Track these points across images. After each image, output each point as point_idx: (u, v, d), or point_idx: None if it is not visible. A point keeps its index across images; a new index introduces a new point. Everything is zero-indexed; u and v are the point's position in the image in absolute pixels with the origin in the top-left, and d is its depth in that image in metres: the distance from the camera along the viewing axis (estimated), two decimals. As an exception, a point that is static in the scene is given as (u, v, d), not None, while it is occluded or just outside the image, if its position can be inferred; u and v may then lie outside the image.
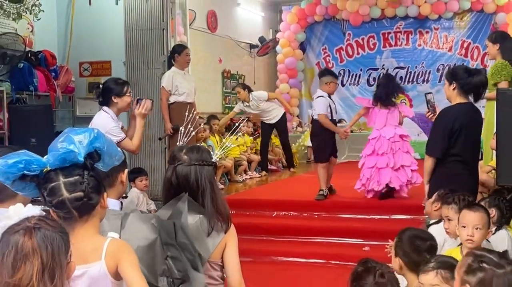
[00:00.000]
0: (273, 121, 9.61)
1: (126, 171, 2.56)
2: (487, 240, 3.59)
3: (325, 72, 7.40)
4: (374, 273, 2.42)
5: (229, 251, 2.53)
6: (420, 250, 3.00)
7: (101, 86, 4.89)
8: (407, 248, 2.99)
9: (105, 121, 4.64)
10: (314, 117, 7.16)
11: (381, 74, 12.80)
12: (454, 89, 4.52)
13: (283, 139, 9.95)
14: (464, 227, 3.33)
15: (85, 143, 2.00)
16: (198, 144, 3.94)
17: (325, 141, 6.94)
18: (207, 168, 2.49)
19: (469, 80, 4.48)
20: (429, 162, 4.54)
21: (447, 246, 3.70)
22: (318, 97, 6.99)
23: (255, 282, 5.13)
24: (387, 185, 6.63)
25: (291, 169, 10.10)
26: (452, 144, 4.46)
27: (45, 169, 2.01)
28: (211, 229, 2.41)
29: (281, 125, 9.72)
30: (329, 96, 7.02)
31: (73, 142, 1.99)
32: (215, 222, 2.43)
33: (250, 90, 9.58)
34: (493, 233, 3.78)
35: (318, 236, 6.11)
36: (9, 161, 1.96)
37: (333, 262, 5.58)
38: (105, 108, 4.78)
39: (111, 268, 2.00)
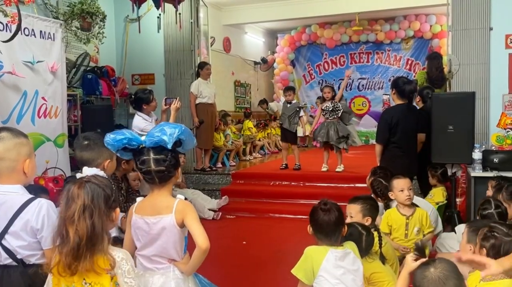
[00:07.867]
0: None
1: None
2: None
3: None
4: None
5: None
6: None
7: (132, 96, 4.79)
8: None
9: (139, 122, 4.66)
10: None
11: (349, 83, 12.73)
12: (394, 93, 4.52)
13: None
14: (401, 191, 3.32)
15: (174, 136, 1.97)
16: None
17: None
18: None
19: (403, 88, 4.45)
20: (378, 147, 4.49)
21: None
22: None
23: (259, 231, 5.12)
24: None
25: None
26: (392, 134, 4.40)
27: (141, 145, 2.02)
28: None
29: None
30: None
31: (165, 134, 1.97)
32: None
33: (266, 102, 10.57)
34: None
35: (302, 198, 6.05)
36: (117, 137, 2.00)
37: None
38: (138, 112, 4.75)
39: (178, 220, 2.00)
